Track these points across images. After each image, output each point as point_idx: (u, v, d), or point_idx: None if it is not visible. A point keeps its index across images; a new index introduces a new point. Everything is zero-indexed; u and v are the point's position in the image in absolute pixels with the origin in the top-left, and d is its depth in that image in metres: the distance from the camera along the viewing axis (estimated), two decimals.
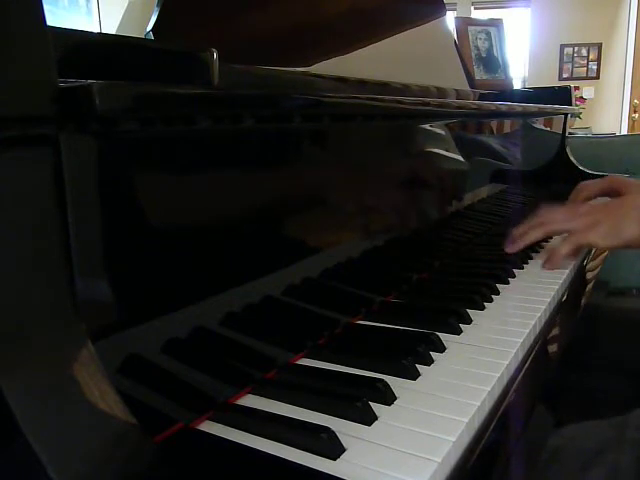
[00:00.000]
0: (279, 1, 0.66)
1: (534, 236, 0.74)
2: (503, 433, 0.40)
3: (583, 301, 0.73)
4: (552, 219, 0.74)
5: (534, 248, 0.81)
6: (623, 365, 0.85)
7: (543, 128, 1.32)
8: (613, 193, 0.88)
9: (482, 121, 0.96)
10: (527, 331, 0.51)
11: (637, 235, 0.68)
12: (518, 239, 0.75)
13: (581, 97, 5.07)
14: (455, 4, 5.42)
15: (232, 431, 0.36)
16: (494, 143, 1.01)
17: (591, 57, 5.65)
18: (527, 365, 0.48)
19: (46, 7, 0.26)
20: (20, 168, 0.27)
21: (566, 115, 1.40)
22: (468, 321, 0.53)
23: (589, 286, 0.77)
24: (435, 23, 1.04)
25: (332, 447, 0.33)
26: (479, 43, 1.36)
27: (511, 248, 0.74)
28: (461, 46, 1.26)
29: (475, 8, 5.84)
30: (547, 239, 0.85)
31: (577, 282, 0.74)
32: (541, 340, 0.54)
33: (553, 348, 0.56)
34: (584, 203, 0.79)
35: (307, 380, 0.43)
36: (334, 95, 0.52)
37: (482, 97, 1.10)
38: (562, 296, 0.65)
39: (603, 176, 1.35)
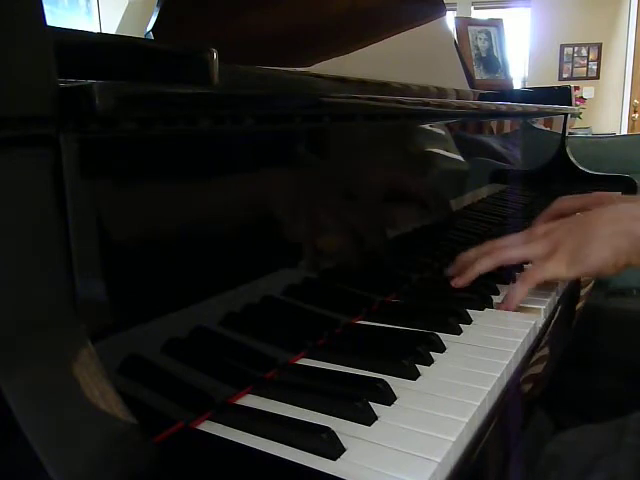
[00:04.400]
0: (279, 1, 0.66)
1: (484, 266, 0.61)
2: (503, 433, 0.40)
3: (582, 302, 0.73)
4: (504, 246, 0.62)
5: None
6: (623, 365, 0.84)
7: (543, 128, 1.32)
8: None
9: (482, 121, 0.96)
10: (527, 331, 0.51)
11: (608, 260, 0.54)
12: (465, 270, 0.62)
13: (581, 97, 5.07)
14: (455, 4, 5.42)
15: (232, 431, 0.36)
16: (494, 143, 1.01)
17: (591, 57, 5.65)
18: (527, 365, 0.48)
19: (46, 7, 0.26)
20: (20, 168, 0.27)
21: (566, 115, 1.40)
22: (468, 321, 0.53)
23: (589, 286, 0.77)
24: (435, 23, 1.04)
25: (332, 447, 0.33)
26: (479, 43, 1.36)
27: (459, 282, 0.61)
28: (461, 46, 1.26)
29: (475, 8, 5.84)
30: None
31: (576, 282, 0.74)
32: (541, 340, 0.54)
33: (553, 347, 0.56)
34: (540, 225, 0.65)
35: (307, 380, 0.43)
36: (334, 95, 0.52)
37: (482, 97, 1.10)
38: (562, 296, 0.65)
39: (603, 176, 1.35)
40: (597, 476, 0.38)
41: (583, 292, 0.74)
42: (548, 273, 0.57)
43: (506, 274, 0.65)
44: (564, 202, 0.79)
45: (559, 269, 0.56)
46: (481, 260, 0.61)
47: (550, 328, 0.57)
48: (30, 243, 0.27)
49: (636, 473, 0.37)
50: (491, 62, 1.37)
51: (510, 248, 0.61)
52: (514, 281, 0.60)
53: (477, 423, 0.38)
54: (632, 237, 0.54)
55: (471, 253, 0.64)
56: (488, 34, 1.39)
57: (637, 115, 5.31)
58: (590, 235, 0.56)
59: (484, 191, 0.94)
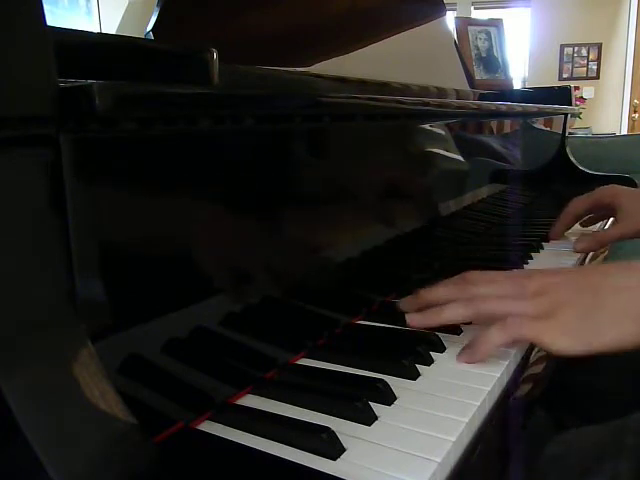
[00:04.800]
0: (279, 1, 0.66)
1: (457, 315, 0.47)
2: (503, 433, 0.40)
3: None
4: (487, 295, 0.47)
5: (535, 246, 0.81)
6: (623, 365, 0.84)
7: (543, 128, 1.32)
8: (604, 209, 0.84)
9: (482, 121, 0.96)
10: None
11: (628, 335, 0.42)
12: (430, 311, 0.48)
13: (581, 97, 5.07)
14: (455, 4, 5.42)
15: (232, 431, 0.36)
16: (494, 143, 1.01)
17: (591, 57, 5.65)
18: (527, 365, 0.48)
19: (46, 7, 0.26)
20: (20, 168, 0.27)
21: (566, 115, 1.40)
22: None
23: None
24: (435, 23, 1.04)
25: (332, 447, 0.33)
26: (479, 43, 1.36)
27: (416, 321, 0.49)
28: (461, 46, 1.26)
29: (475, 8, 5.84)
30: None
31: None
32: None
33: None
34: (536, 273, 0.49)
35: (307, 380, 0.43)
36: (334, 95, 0.52)
37: (482, 97, 1.10)
38: None
39: (603, 176, 1.34)
40: (598, 477, 0.38)
41: None
42: (537, 335, 0.43)
43: (512, 261, 0.60)
44: (579, 204, 0.77)
45: (553, 338, 0.43)
46: (453, 307, 0.47)
47: None
48: (30, 243, 0.27)
49: (637, 474, 0.37)
50: (491, 62, 1.37)
51: (493, 300, 0.46)
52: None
53: (477, 423, 0.38)
54: None
55: (441, 291, 0.49)
56: (488, 34, 1.39)
57: (637, 115, 5.31)
58: (601, 304, 0.43)
59: (484, 191, 0.94)
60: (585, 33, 5.56)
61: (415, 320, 0.48)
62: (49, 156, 0.28)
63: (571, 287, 0.45)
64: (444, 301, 0.48)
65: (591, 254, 0.84)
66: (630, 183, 1.31)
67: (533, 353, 0.50)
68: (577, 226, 0.90)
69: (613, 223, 0.83)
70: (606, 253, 0.91)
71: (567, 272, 0.49)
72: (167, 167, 0.36)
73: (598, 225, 0.93)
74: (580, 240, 0.82)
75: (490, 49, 1.38)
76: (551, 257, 0.79)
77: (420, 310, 0.49)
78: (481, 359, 0.44)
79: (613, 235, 0.81)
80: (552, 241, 0.86)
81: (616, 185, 0.85)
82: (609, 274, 0.46)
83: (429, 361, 0.45)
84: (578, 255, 0.79)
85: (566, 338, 0.42)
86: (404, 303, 0.52)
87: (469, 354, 0.44)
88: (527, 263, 0.75)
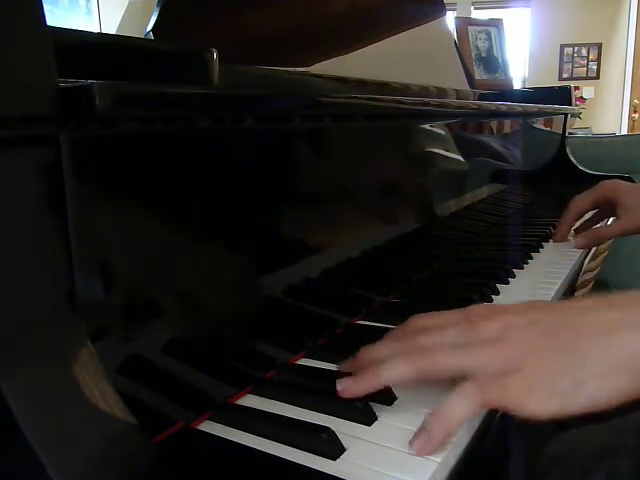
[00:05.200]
0: (279, 1, 0.66)
1: (395, 372, 0.37)
2: (503, 433, 0.40)
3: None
4: (434, 342, 0.38)
5: (534, 246, 0.81)
6: None
7: (543, 128, 1.32)
8: (605, 204, 0.82)
9: (482, 121, 0.96)
10: None
11: (622, 391, 0.33)
12: (364, 372, 0.37)
13: (581, 97, 5.07)
14: (455, 4, 5.42)
15: (232, 431, 0.36)
16: (494, 143, 1.01)
17: (591, 57, 5.65)
18: None
19: (46, 7, 0.26)
20: (20, 168, 0.27)
21: (566, 115, 1.40)
22: None
23: (588, 287, 0.77)
24: (435, 23, 1.04)
25: (332, 447, 0.33)
26: (479, 43, 1.36)
27: (346, 387, 0.37)
28: (461, 46, 1.26)
29: (475, 8, 5.84)
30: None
31: (575, 281, 0.74)
32: None
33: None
34: (486, 313, 0.39)
35: (307, 380, 0.43)
36: (334, 95, 0.52)
37: (482, 97, 1.11)
38: (561, 295, 0.65)
39: (603, 177, 1.34)
40: (597, 476, 0.38)
41: (583, 292, 0.74)
42: (502, 399, 0.34)
43: (512, 261, 0.59)
44: (580, 201, 0.76)
45: (523, 401, 0.33)
46: (394, 362, 0.37)
47: None
48: (30, 243, 0.27)
49: (637, 474, 0.37)
50: (491, 62, 1.37)
51: (442, 351, 0.37)
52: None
53: (477, 422, 0.38)
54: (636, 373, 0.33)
55: (381, 348, 0.39)
56: (488, 34, 1.39)
57: (637, 115, 5.31)
58: (584, 349, 0.34)
59: (484, 191, 0.94)
60: (585, 33, 5.56)
61: (346, 387, 0.37)
62: (49, 156, 0.28)
63: (540, 329, 0.36)
64: (387, 357, 0.38)
65: (592, 252, 0.84)
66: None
67: None
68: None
69: (614, 219, 0.83)
70: (606, 253, 0.91)
71: (535, 309, 0.39)
72: (167, 167, 0.36)
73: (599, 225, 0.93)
74: (580, 236, 0.82)
75: (490, 49, 1.38)
76: (551, 257, 0.79)
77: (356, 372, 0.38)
78: (442, 444, 0.33)
79: (613, 231, 0.80)
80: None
81: (618, 180, 0.85)
82: (588, 311, 0.36)
83: None
84: (579, 254, 0.79)
85: (535, 399, 0.33)
86: (342, 365, 0.41)
87: (424, 440, 0.33)
88: (527, 263, 0.75)
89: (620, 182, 0.83)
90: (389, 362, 0.37)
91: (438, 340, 0.38)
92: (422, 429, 0.33)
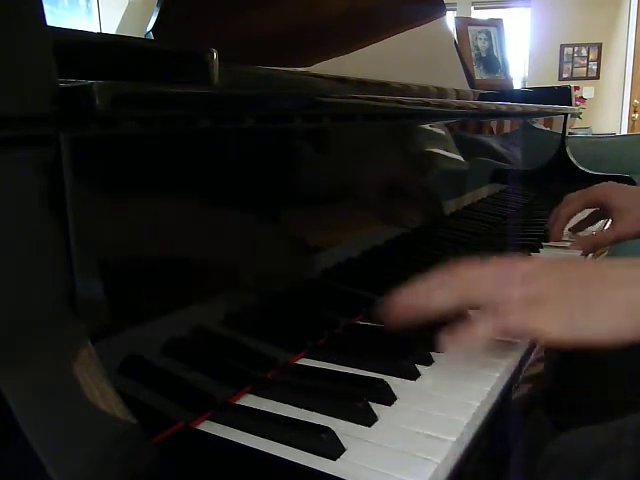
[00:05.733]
0: (279, 1, 0.66)
1: (439, 301, 0.42)
2: (503, 433, 0.40)
3: None
4: (474, 279, 0.43)
5: (534, 246, 0.81)
6: (623, 366, 0.84)
7: (543, 128, 1.32)
8: (600, 208, 0.81)
9: (482, 121, 0.96)
10: None
11: (623, 328, 0.39)
12: (414, 303, 0.43)
13: (581, 97, 5.07)
14: (455, 4, 5.42)
15: (232, 431, 0.36)
16: (494, 143, 1.01)
17: (591, 57, 5.65)
18: (527, 365, 0.48)
19: (46, 7, 0.26)
20: (20, 168, 0.27)
21: (566, 115, 1.40)
22: None
23: None
24: (435, 23, 1.04)
25: (332, 447, 0.33)
26: (479, 43, 1.36)
27: (393, 315, 0.43)
28: (461, 46, 1.26)
29: (475, 8, 5.84)
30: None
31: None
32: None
33: (553, 347, 0.56)
34: (528, 258, 0.49)
35: (307, 380, 0.43)
36: (334, 95, 0.52)
37: (482, 97, 1.11)
38: None
39: (603, 176, 1.34)
40: (597, 477, 0.38)
41: None
42: (526, 324, 0.40)
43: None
44: (572, 204, 0.75)
45: (546, 324, 0.39)
46: (437, 293, 0.43)
47: None
48: (30, 243, 0.27)
49: (637, 474, 0.37)
50: (491, 62, 1.37)
51: (481, 284, 0.43)
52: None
53: (477, 423, 0.38)
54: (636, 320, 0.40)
55: (427, 283, 0.44)
56: (488, 34, 1.39)
57: (637, 115, 5.31)
58: (598, 295, 0.40)
59: (484, 191, 0.94)
60: (585, 33, 5.56)
61: (397, 312, 0.43)
62: (49, 156, 0.28)
63: (567, 274, 0.42)
64: (431, 289, 0.44)
65: (591, 254, 0.84)
66: (630, 183, 1.31)
67: (533, 354, 0.50)
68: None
69: (610, 224, 0.83)
70: (606, 252, 0.90)
71: (561, 260, 0.46)
72: (167, 167, 0.36)
73: (598, 225, 0.93)
74: (575, 243, 0.82)
75: (490, 49, 1.38)
76: (551, 256, 0.79)
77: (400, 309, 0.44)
78: (459, 348, 0.41)
79: (608, 237, 0.80)
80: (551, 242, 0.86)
81: (612, 183, 0.84)
82: (611, 266, 0.43)
83: (429, 361, 0.45)
84: (579, 253, 0.79)
85: (556, 326, 0.39)
86: (389, 302, 0.45)
87: (448, 341, 0.40)
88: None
89: (613, 185, 0.82)
90: (435, 292, 0.43)
91: (475, 274, 0.44)
92: (449, 332, 0.41)
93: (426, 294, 0.43)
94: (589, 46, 5.63)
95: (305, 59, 0.65)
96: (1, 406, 0.24)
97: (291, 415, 0.37)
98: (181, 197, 0.37)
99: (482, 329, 0.40)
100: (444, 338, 0.40)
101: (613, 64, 5.62)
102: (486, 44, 1.37)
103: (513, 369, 0.46)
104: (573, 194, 0.81)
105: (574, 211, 0.84)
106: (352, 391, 0.39)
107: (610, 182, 0.84)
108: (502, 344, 0.45)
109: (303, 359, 0.46)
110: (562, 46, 5.67)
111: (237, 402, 0.40)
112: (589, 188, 0.81)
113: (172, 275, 0.36)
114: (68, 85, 0.28)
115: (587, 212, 0.88)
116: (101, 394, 0.27)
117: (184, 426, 0.36)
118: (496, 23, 1.44)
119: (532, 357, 0.50)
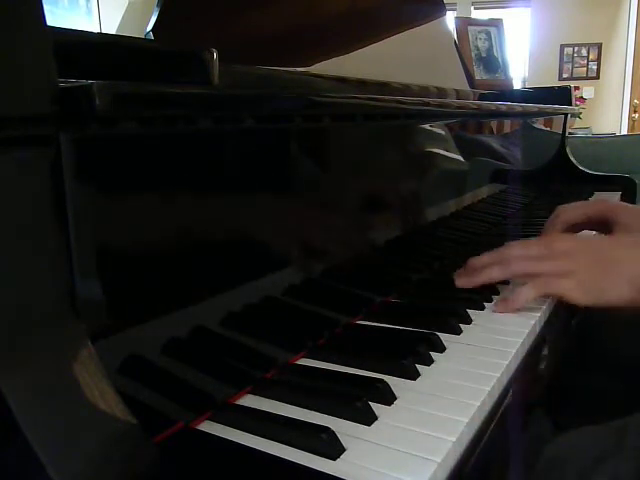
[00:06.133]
0: (279, 1, 0.66)
1: (494, 275, 0.59)
2: (503, 433, 0.40)
3: None
4: (519, 257, 0.59)
5: None
6: (623, 365, 0.84)
7: (543, 128, 1.32)
8: (601, 222, 0.76)
9: (482, 121, 0.96)
10: (527, 331, 0.51)
11: (625, 296, 0.54)
12: (474, 273, 0.60)
13: (581, 97, 5.07)
14: (455, 4, 5.42)
15: (232, 431, 0.36)
16: (494, 143, 1.01)
17: (591, 57, 5.65)
18: (527, 365, 0.48)
19: (46, 7, 0.26)
20: (20, 168, 0.27)
21: (566, 115, 1.40)
22: (468, 321, 0.53)
23: None
24: (435, 23, 1.04)
25: (332, 447, 0.33)
26: (479, 43, 1.36)
27: (463, 282, 0.60)
28: (461, 46, 1.26)
29: (475, 8, 5.84)
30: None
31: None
32: (541, 340, 0.54)
33: (553, 348, 0.56)
34: (562, 238, 0.64)
35: (307, 380, 0.43)
36: (334, 95, 0.52)
37: (482, 97, 1.10)
38: None
39: (603, 176, 1.34)
40: (598, 477, 0.38)
41: None
42: (560, 290, 0.55)
43: None
44: (567, 212, 0.74)
45: (572, 292, 0.55)
46: (494, 268, 0.59)
47: (550, 328, 0.57)
48: (30, 243, 0.27)
49: (637, 475, 0.37)
50: (491, 62, 1.37)
51: (526, 262, 0.58)
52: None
53: (477, 423, 0.38)
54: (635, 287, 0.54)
55: (485, 258, 0.61)
56: (488, 34, 1.39)
57: (637, 115, 5.31)
58: (611, 269, 0.55)
59: (484, 191, 0.94)
60: (585, 33, 5.56)
61: (461, 281, 0.60)
62: (49, 156, 0.28)
63: (590, 252, 0.58)
64: (487, 264, 0.60)
65: None
66: (630, 183, 1.31)
67: (533, 354, 0.50)
68: None
69: None
70: None
71: (589, 240, 0.65)
72: (167, 167, 0.36)
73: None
74: None
75: (490, 49, 1.38)
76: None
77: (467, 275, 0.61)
78: (514, 310, 0.55)
79: None
80: None
81: (615, 201, 0.85)
82: (621, 246, 0.59)
83: (429, 361, 0.45)
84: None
85: (581, 293, 0.55)
86: (457, 275, 0.62)
87: (504, 306, 0.56)
88: None
89: (619, 202, 0.84)
90: (492, 267, 0.59)
91: (523, 253, 0.59)
92: (503, 300, 0.57)
93: (480, 271, 0.59)
94: (589, 46, 5.62)
95: (305, 59, 0.65)
96: (1, 406, 0.24)
97: (291, 415, 0.37)
98: (181, 197, 0.37)
99: (530, 292, 0.55)
100: (500, 303, 0.56)
101: (613, 64, 5.62)
102: (486, 44, 1.37)
103: (513, 369, 0.46)
104: (567, 205, 0.80)
105: (573, 220, 0.83)
106: (352, 391, 0.39)
107: (615, 201, 0.85)
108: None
109: (303, 359, 0.46)
110: (562, 46, 5.67)
111: (237, 402, 0.40)
112: (588, 201, 0.82)
113: (172, 275, 0.36)
114: (68, 85, 0.28)
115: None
116: (101, 394, 0.27)
117: (184, 426, 0.36)
118: (496, 23, 1.44)
119: (532, 357, 0.50)
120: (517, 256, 0.58)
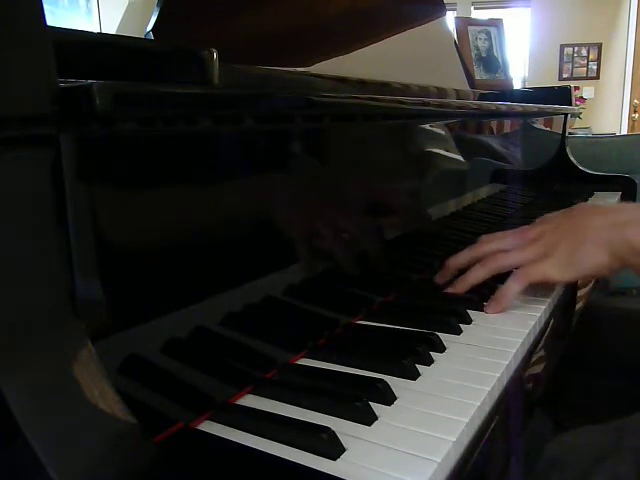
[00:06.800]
0: (279, 1, 0.66)
1: (480, 275, 0.59)
2: (503, 433, 0.40)
3: (582, 302, 0.73)
4: (496, 251, 0.60)
5: None
6: (623, 365, 0.84)
7: (543, 128, 1.32)
8: None
9: (482, 121, 0.96)
10: (527, 331, 0.51)
11: (605, 263, 0.55)
12: (457, 281, 0.60)
13: (581, 97, 5.07)
14: (455, 4, 5.42)
15: (232, 431, 0.36)
16: (494, 143, 1.01)
17: (591, 57, 5.65)
18: (527, 365, 0.48)
19: (46, 7, 0.26)
20: (20, 168, 0.27)
21: (566, 115, 1.40)
22: (468, 321, 0.53)
23: (589, 286, 0.77)
24: (435, 23, 1.04)
25: (332, 447, 0.33)
26: (479, 43, 1.36)
27: (453, 289, 0.60)
28: (461, 46, 1.26)
29: (475, 8, 5.83)
30: None
31: (573, 284, 0.73)
32: (541, 340, 0.54)
33: (553, 348, 0.56)
34: (532, 225, 0.63)
35: (307, 380, 0.43)
36: (334, 95, 0.52)
37: (482, 97, 1.10)
38: (561, 296, 0.65)
39: (603, 176, 1.34)
40: (598, 477, 0.38)
41: (583, 292, 0.74)
42: (540, 274, 0.56)
43: None
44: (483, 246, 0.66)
45: (551, 272, 0.56)
46: (474, 270, 0.59)
47: (550, 328, 0.57)
48: (30, 243, 0.27)
49: (637, 475, 0.37)
50: (491, 62, 1.37)
51: (503, 256, 0.59)
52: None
53: (477, 423, 0.38)
54: (626, 242, 0.54)
55: (461, 258, 0.62)
56: (488, 34, 1.39)
57: (637, 115, 5.31)
58: (584, 240, 0.56)
59: (484, 191, 0.94)
60: (585, 33, 5.56)
61: (450, 289, 0.60)
62: (49, 156, 0.28)
63: (562, 230, 0.58)
64: (465, 264, 0.61)
65: None
66: (630, 183, 1.31)
67: (533, 354, 0.50)
68: None
69: None
70: None
71: (559, 217, 0.62)
72: (167, 167, 0.36)
73: None
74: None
75: (490, 49, 1.38)
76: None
77: (450, 277, 0.62)
78: (506, 307, 0.55)
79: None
80: None
81: (587, 204, 0.84)
82: (593, 215, 0.59)
83: (429, 361, 0.45)
84: None
85: (560, 269, 0.55)
86: (438, 277, 0.63)
87: (494, 306, 0.55)
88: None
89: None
90: (472, 271, 0.59)
91: (497, 246, 0.60)
92: (492, 300, 0.56)
93: (463, 277, 0.59)
94: (589, 46, 5.62)
95: (305, 59, 0.65)
96: (1, 406, 0.24)
97: (291, 415, 0.37)
98: (181, 197, 0.37)
99: (514, 287, 0.55)
100: (490, 303, 0.56)
101: (613, 64, 5.62)
102: (486, 44, 1.37)
103: (513, 369, 0.46)
104: (486, 237, 0.68)
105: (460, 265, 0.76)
106: (352, 391, 0.39)
107: (584, 204, 0.85)
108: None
109: (303, 359, 0.46)
110: (562, 46, 5.67)
111: (237, 402, 0.40)
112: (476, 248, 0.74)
113: (172, 275, 0.36)
114: (68, 85, 0.28)
115: None
116: (101, 394, 0.27)
117: (184, 426, 0.36)
118: (496, 23, 1.43)
119: (532, 358, 0.50)
120: (494, 252, 0.59)
